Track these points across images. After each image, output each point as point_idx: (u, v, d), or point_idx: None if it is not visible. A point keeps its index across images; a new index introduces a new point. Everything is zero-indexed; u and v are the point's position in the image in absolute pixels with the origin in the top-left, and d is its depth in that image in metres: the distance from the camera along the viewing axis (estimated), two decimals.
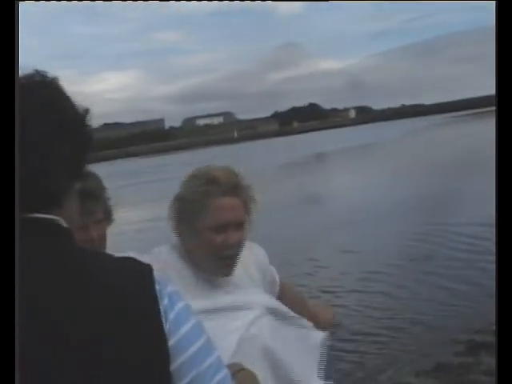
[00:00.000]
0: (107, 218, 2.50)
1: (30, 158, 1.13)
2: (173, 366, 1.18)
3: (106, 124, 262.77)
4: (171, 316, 1.19)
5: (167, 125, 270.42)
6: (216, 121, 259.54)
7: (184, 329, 1.20)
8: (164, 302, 1.20)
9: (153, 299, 1.18)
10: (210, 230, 2.07)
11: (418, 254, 10.43)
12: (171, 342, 1.18)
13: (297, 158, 47.05)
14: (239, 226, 2.11)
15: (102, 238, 2.43)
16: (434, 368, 5.86)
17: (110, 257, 1.26)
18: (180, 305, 1.23)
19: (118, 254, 1.29)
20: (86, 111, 1.26)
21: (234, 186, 2.10)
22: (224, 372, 1.25)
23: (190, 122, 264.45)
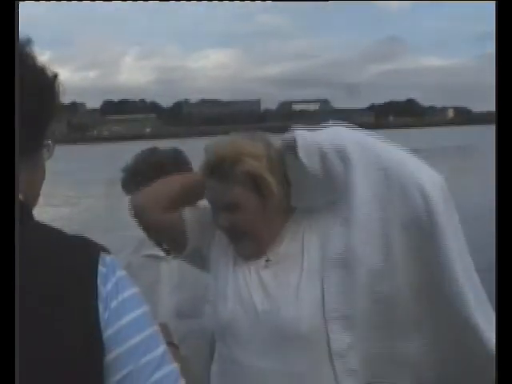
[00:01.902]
0: None
1: None
2: (107, 358, 1.09)
3: (204, 100, 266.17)
4: (113, 304, 1.10)
5: (263, 107, 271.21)
6: (312, 107, 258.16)
7: (126, 319, 1.10)
8: (107, 288, 1.10)
9: (92, 282, 1.09)
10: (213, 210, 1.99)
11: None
12: (109, 332, 1.09)
13: None
14: (230, 207, 1.90)
15: None
16: None
17: (62, 234, 1.15)
18: (127, 293, 1.13)
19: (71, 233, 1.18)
20: (52, 76, 1.17)
21: (215, 164, 1.89)
22: (167, 370, 1.13)
23: (285, 105, 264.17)
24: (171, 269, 2.50)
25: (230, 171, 1.85)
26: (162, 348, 1.14)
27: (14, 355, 0.97)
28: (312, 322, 1.81)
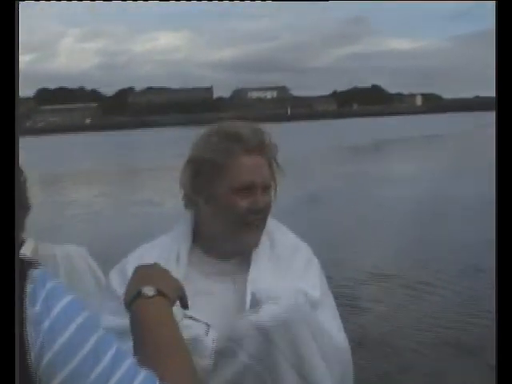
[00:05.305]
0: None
1: None
2: None
3: (150, 88, 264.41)
4: (46, 325, 1.07)
5: (216, 94, 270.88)
6: (269, 95, 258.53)
7: (64, 337, 1.07)
8: (36, 309, 1.08)
9: (19, 306, 1.06)
10: (234, 192, 1.99)
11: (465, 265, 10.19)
12: (49, 356, 1.05)
13: (354, 142, 46.77)
14: (266, 188, 2.04)
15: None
16: None
17: None
18: (60, 305, 1.10)
19: None
20: None
21: (259, 144, 2.02)
22: (122, 370, 1.10)
23: (240, 93, 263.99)
24: None
25: (267, 151, 2.05)
26: (113, 349, 1.11)
27: None
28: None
